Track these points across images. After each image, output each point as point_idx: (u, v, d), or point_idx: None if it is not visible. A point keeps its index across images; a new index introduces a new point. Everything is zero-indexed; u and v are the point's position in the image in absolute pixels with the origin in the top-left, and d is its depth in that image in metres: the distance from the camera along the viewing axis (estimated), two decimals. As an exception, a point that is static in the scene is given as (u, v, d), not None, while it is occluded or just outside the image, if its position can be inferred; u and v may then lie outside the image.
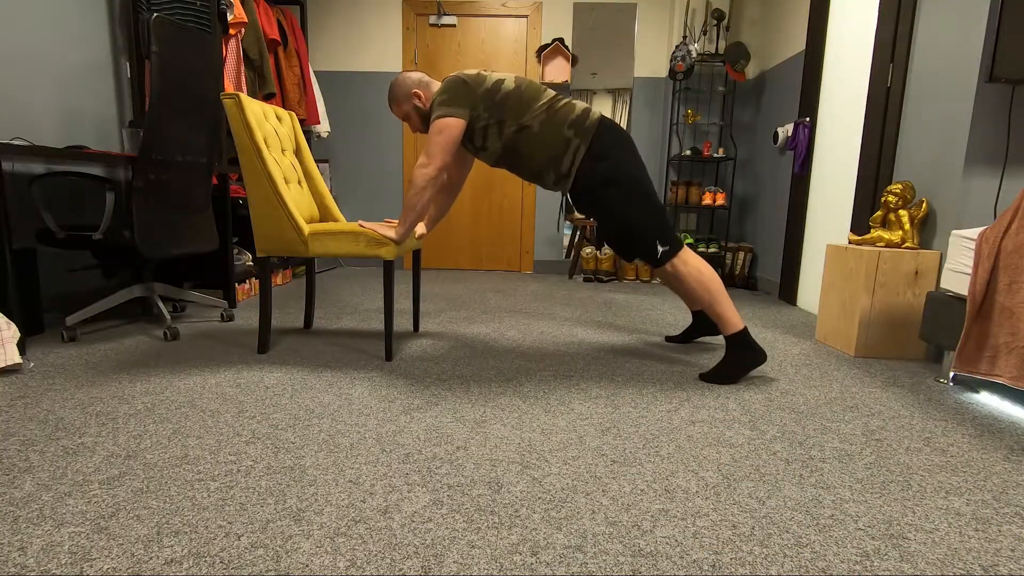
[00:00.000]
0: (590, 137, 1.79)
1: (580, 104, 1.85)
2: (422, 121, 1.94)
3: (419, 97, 1.90)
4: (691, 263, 1.82)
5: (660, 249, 1.80)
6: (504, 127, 1.81)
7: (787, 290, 3.32)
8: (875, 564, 0.91)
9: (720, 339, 2.38)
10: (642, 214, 1.80)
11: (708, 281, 1.81)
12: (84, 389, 1.62)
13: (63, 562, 0.87)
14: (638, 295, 3.51)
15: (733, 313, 1.82)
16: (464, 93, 1.78)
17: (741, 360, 1.80)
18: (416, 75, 1.92)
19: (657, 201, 1.83)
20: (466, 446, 1.31)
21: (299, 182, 2.19)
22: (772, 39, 3.73)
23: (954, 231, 1.81)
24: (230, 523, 0.98)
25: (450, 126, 1.76)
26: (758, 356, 1.80)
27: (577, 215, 4.06)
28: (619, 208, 1.80)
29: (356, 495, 1.08)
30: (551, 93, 1.85)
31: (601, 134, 1.80)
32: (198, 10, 2.74)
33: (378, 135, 4.37)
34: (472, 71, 1.84)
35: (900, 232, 2.16)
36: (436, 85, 1.93)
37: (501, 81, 1.81)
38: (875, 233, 2.24)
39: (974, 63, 1.95)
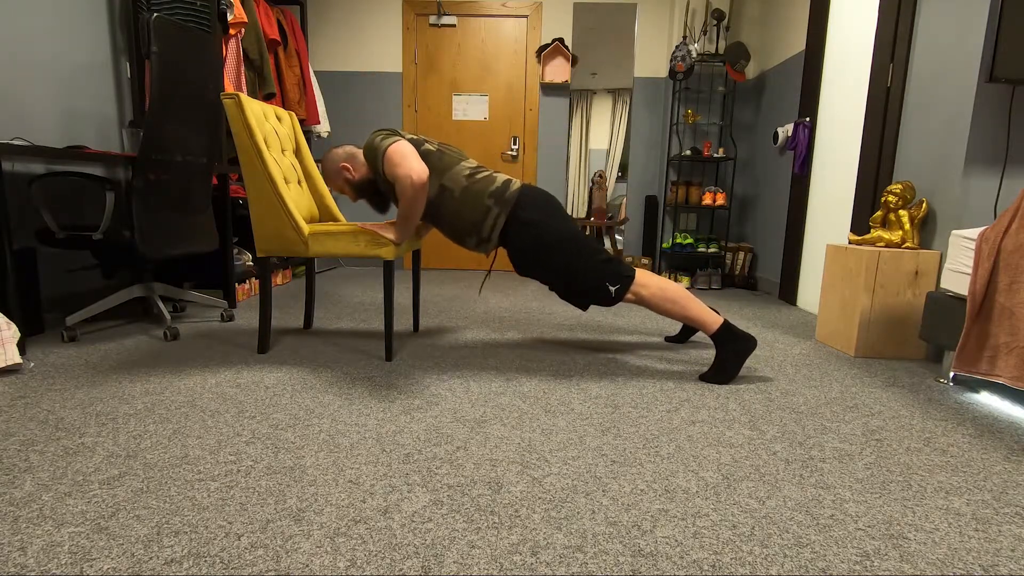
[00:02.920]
0: (510, 207, 1.85)
1: (501, 176, 1.93)
2: (355, 191, 2.02)
3: (348, 169, 1.98)
4: (651, 285, 1.86)
5: (612, 290, 1.84)
6: (428, 186, 1.86)
7: (787, 290, 3.32)
8: (875, 564, 0.91)
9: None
10: (582, 266, 1.84)
11: (672, 295, 1.85)
12: (84, 389, 1.63)
13: (63, 562, 0.87)
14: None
15: (707, 312, 1.84)
16: (396, 132, 1.87)
17: (733, 353, 1.80)
18: (342, 149, 2.01)
19: (592, 247, 1.86)
20: (466, 446, 1.31)
21: (299, 182, 2.19)
22: (772, 39, 3.73)
23: (954, 231, 1.81)
24: (230, 523, 0.98)
25: (400, 145, 1.79)
26: (748, 344, 1.81)
27: (577, 217, 4.06)
28: (559, 267, 1.85)
29: (356, 495, 1.08)
30: (473, 162, 1.95)
31: (524, 203, 1.86)
32: (198, 10, 2.74)
33: (378, 135, 4.36)
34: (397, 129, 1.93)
35: (900, 232, 2.16)
36: (360, 153, 2.00)
37: (424, 141, 1.91)
38: (875, 233, 2.24)
39: (974, 63, 1.95)
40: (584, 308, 1.94)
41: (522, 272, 1.93)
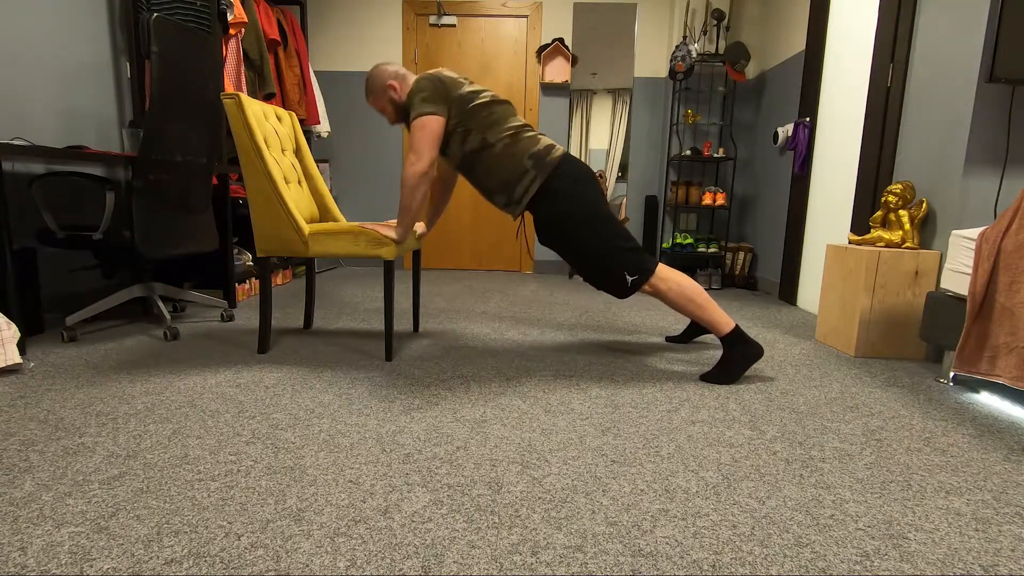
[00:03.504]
0: (547, 172, 1.81)
1: (546, 139, 1.87)
2: (397, 113, 1.95)
3: (394, 89, 1.91)
4: (670, 279, 1.83)
5: (629, 280, 1.82)
6: (468, 137, 1.83)
7: (787, 290, 3.32)
8: (875, 564, 0.91)
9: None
10: (605, 248, 1.81)
11: (689, 292, 1.83)
12: (84, 389, 1.62)
13: (63, 562, 0.87)
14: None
15: (721, 315, 1.83)
16: (441, 92, 1.80)
17: (739, 357, 1.80)
18: (392, 67, 1.93)
19: (621, 231, 1.83)
20: (466, 446, 1.31)
21: (299, 182, 2.19)
22: (772, 39, 3.73)
23: (954, 231, 1.81)
24: (230, 523, 0.98)
25: (430, 122, 1.77)
26: (755, 351, 1.80)
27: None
28: (584, 244, 1.81)
29: (356, 495, 1.08)
30: (521, 121, 1.88)
31: (561, 172, 1.81)
32: (198, 10, 2.74)
33: (378, 135, 4.37)
34: (451, 73, 1.85)
35: (900, 232, 2.16)
36: (412, 78, 1.93)
37: (477, 92, 1.83)
38: (875, 233, 2.24)
39: (974, 63, 1.95)
40: (599, 288, 1.90)
41: (544, 241, 1.88)
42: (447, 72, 1.84)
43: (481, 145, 1.83)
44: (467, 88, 1.83)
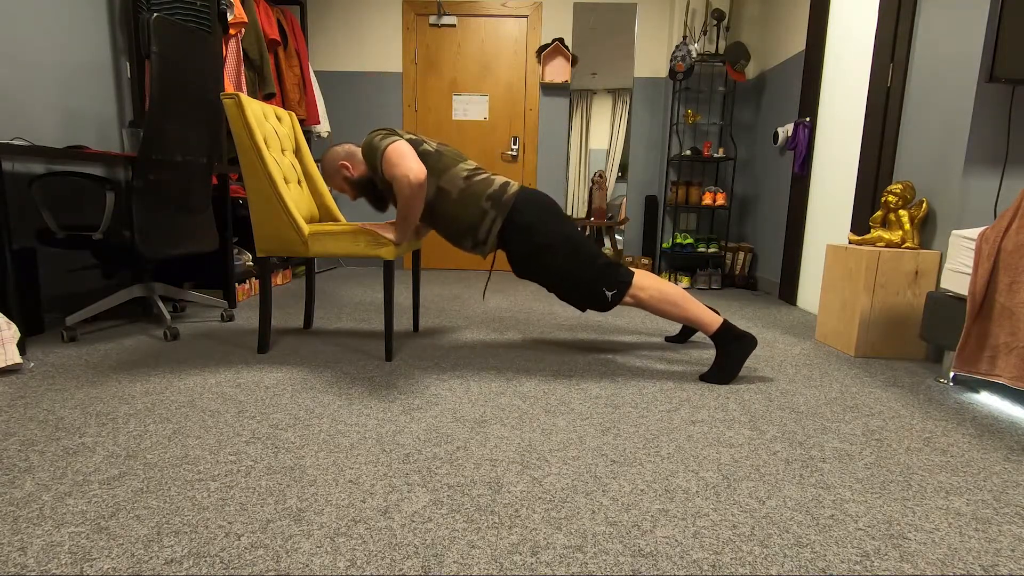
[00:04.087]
0: (507, 210, 1.85)
1: (499, 178, 1.92)
2: (354, 189, 2.01)
3: (347, 168, 1.98)
4: (649, 287, 1.86)
5: (608, 295, 1.84)
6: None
7: (787, 290, 3.32)
8: (875, 564, 0.91)
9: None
10: (579, 269, 1.84)
11: (670, 296, 1.85)
12: (84, 389, 1.63)
13: (63, 562, 0.87)
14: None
15: (706, 313, 1.84)
16: (394, 132, 1.86)
17: (733, 352, 1.80)
18: (341, 148, 2.01)
19: (590, 251, 1.86)
20: (466, 446, 1.31)
21: (299, 182, 2.19)
22: (772, 39, 3.73)
23: (954, 231, 1.81)
24: (230, 523, 0.98)
25: (399, 144, 1.79)
26: (748, 343, 1.81)
27: (577, 218, 4.06)
28: (557, 270, 1.85)
29: (356, 495, 1.08)
30: (472, 164, 1.94)
31: (521, 206, 1.85)
32: (198, 10, 2.74)
33: (378, 135, 4.36)
34: (393, 128, 1.93)
35: (900, 232, 2.16)
36: (358, 152, 2.00)
37: (423, 141, 1.90)
38: (875, 233, 2.24)
39: (974, 63, 1.95)
40: (582, 310, 1.94)
41: (520, 274, 1.93)
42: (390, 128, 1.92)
43: (437, 193, 1.88)
44: (412, 137, 1.90)
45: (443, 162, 1.89)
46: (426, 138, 1.95)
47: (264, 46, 3.21)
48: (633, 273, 1.87)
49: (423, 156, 1.87)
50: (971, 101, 1.96)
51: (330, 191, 3.97)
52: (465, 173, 1.89)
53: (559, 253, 1.84)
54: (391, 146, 1.78)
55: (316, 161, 4.21)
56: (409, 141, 1.87)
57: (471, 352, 2.11)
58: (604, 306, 1.87)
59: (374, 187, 2.01)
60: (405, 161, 1.75)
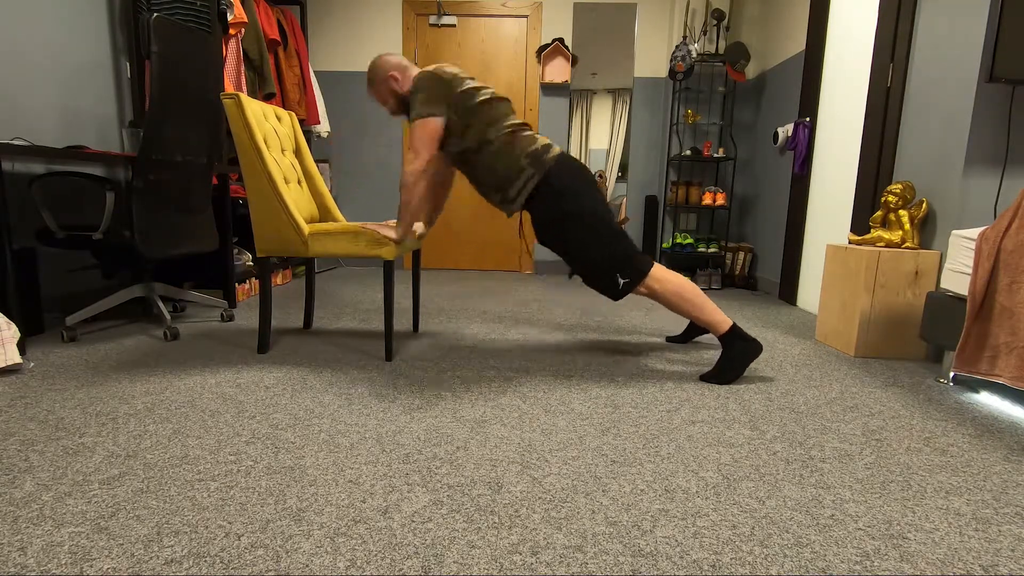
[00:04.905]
0: (544, 171, 1.81)
1: (543, 139, 1.88)
2: (398, 104, 1.95)
3: (395, 80, 1.92)
4: (665, 280, 1.84)
5: (621, 282, 1.82)
6: (467, 134, 1.84)
7: (787, 290, 3.32)
8: (875, 564, 0.91)
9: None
10: (601, 249, 1.81)
11: (686, 293, 1.83)
12: (84, 389, 1.62)
13: (63, 562, 0.87)
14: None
15: (718, 314, 1.84)
16: (441, 92, 1.80)
17: (738, 356, 1.80)
18: (395, 58, 1.94)
19: (616, 233, 1.83)
20: (466, 446, 1.31)
21: (299, 182, 2.19)
22: (772, 39, 3.73)
23: (954, 231, 1.81)
24: (230, 523, 0.98)
25: (429, 123, 1.78)
26: (754, 348, 1.81)
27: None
28: (579, 243, 1.82)
29: (356, 495, 1.08)
30: (519, 120, 1.89)
31: (559, 171, 1.82)
32: (198, 10, 2.74)
33: (378, 135, 4.37)
34: (452, 69, 1.83)
35: (900, 232, 2.16)
36: (414, 70, 1.93)
37: (477, 90, 1.83)
38: (875, 233, 2.24)
39: (974, 63, 1.95)
40: (593, 288, 1.90)
41: (541, 240, 1.89)
42: (448, 68, 1.83)
43: (479, 142, 1.83)
44: (467, 85, 1.83)
45: (492, 114, 1.83)
46: (482, 85, 1.86)
47: (264, 46, 3.21)
48: (653, 264, 1.85)
49: (475, 107, 1.81)
50: (971, 101, 1.95)
51: (323, 178, 3.98)
52: (511, 127, 1.85)
53: (584, 225, 1.80)
54: (423, 121, 1.77)
55: (317, 161, 4.22)
56: (460, 95, 1.80)
57: (471, 352, 2.11)
58: (615, 292, 1.84)
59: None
60: (419, 145, 1.75)
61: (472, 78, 1.89)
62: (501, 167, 1.83)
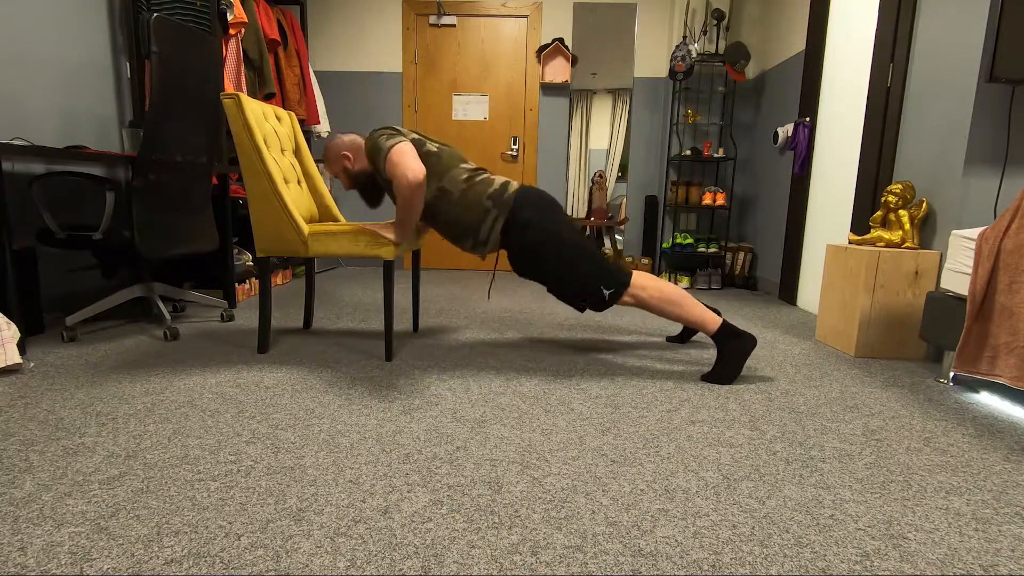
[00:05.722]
0: (508, 208, 1.86)
1: (498, 178, 1.93)
2: (351, 180, 2.04)
3: (348, 159, 2.00)
4: (648, 287, 1.86)
5: (606, 293, 1.85)
6: (426, 187, 1.88)
7: (787, 290, 3.32)
8: (875, 564, 0.91)
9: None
10: (579, 268, 1.84)
11: (670, 296, 1.86)
12: (84, 389, 1.62)
13: (63, 562, 0.87)
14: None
15: (706, 313, 1.85)
16: (399, 131, 1.87)
17: (734, 352, 1.81)
18: (348, 138, 2.02)
19: (590, 249, 1.87)
20: (466, 446, 1.31)
21: (299, 182, 2.19)
22: (772, 39, 3.73)
23: (954, 231, 1.81)
24: (230, 523, 0.98)
25: (403, 145, 1.80)
26: (748, 342, 1.81)
27: (577, 217, 4.06)
28: (556, 267, 1.85)
29: (356, 495, 1.08)
30: (471, 164, 1.96)
31: (520, 205, 1.86)
32: (198, 10, 2.74)
33: (378, 135, 4.36)
34: (397, 127, 1.92)
35: (900, 232, 2.16)
36: (363, 144, 2.02)
37: (424, 141, 1.91)
38: (875, 233, 2.24)
39: (974, 63, 1.95)
40: (580, 310, 1.94)
41: (521, 273, 1.93)
42: (393, 127, 1.92)
43: (439, 193, 1.89)
44: (414, 137, 1.90)
45: (444, 163, 1.90)
46: (429, 137, 1.96)
47: (264, 46, 3.21)
48: (631, 274, 1.87)
49: (425, 156, 1.88)
50: (971, 101, 1.95)
51: (325, 182, 3.98)
52: (466, 174, 1.90)
53: (559, 251, 1.84)
54: (395, 147, 1.79)
55: (316, 161, 4.21)
56: (412, 141, 1.88)
57: (471, 352, 2.11)
58: (601, 305, 1.87)
59: (372, 182, 2.03)
60: (405, 160, 1.77)
61: (418, 133, 1.97)
62: (465, 214, 1.88)
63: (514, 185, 1.91)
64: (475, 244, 1.92)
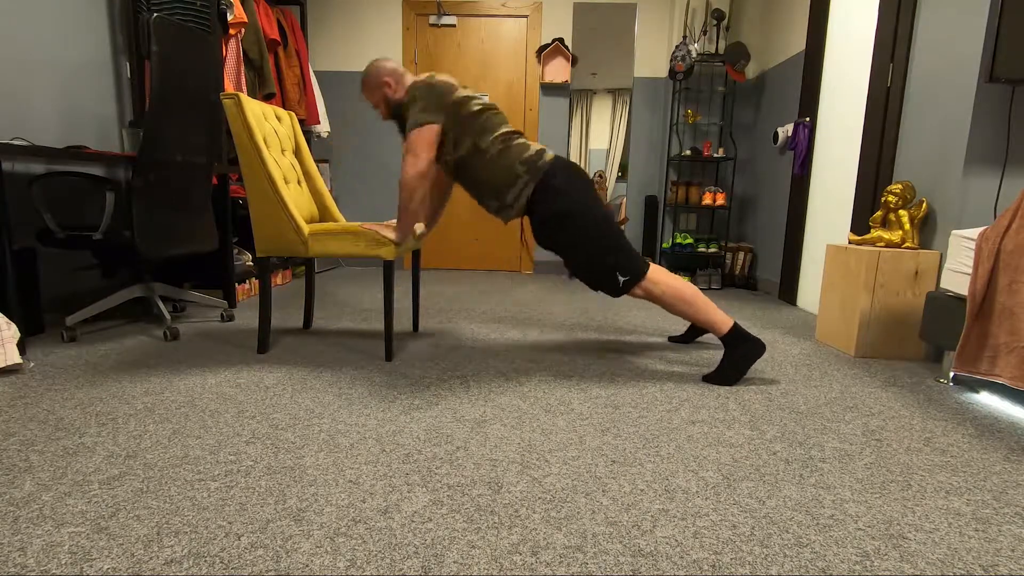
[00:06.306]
0: (540, 176, 1.83)
1: (536, 144, 1.90)
2: (389, 109, 1.98)
3: (389, 86, 1.94)
4: (662, 282, 1.84)
5: (621, 280, 1.83)
6: (461, 143, 1.86)
7: (787, 290, 3.32)
8: (875, 564, 0.91)
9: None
10: (599, 247, 1.82)
11: (684, 294, 1.84)
12: (84, 389, 1.62)
13: (63, 562, 0.87)
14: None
15: (719, 314, 1.84)
16: (436, 102, 1.83)
17: (741, 355, 1.80)
18: (390, 64, 1.96)
19: (615, 232, 1.84)
20: (466, 446, 1.31)
21: (299, 182, 2.19)
22: (772, 39, 3.73)
23: (954, 231, 1.81)
24: (230, 523, 0.98)
25: (427, 130, 1.80)
26: (756, 347, 1.80)
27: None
28: (578, 240, 1.83)
29: (356, 495, 1.08)
30: (511, 127, 1.92)
31: (554, 173, 1.84)
32: (198, 10, 2.74)
33: (378, 135, 4.37)
34: (445, 79, 1.87)
35: (900, 232, 2.16)
36: (409, 78, 1.96)
37: (470, 99, 1.86)
38: (875, 233, 2.24)
39: (974, 63, 1.94)
40: (594, 288, 1.91)
41: (541, 242, 1.90)
42: (440, 77, 1.86)
43: (473, 151, 1.85)
44: (460, 94, 1.86)
45: (485, 123, 1.86)
46: (475, 95, 1.89)
47: (264, 46, 3.21)
48: (649, 265, 1.85)
49: (468, 116, 1.84)
50: (971, 101, 1.95)
51: (323, 178, 3.97)
52: (504, 135, 1.86)
53: (582, 225, 1.81)
54: (421, 129, 1.78)
55: (316, 161, 4.21)
56: (458, 101, 1.83)
57: (471, 352, 2.11)
58: (615, 289, 1.85)
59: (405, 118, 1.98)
60: (418, 149, 1.76)
61: (466, 87, 1.91)
62: (498, 174, 1.84)
63: (550, 154, 1.87)
64: (500, 207, 1.88)
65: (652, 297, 1.84)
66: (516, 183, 1.83)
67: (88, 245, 2.05)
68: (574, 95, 7.02)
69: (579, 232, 1.82)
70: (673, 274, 1.89)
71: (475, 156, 1.86)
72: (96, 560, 0.88)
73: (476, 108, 1.85)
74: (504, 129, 1.88)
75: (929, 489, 1.16)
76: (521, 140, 1.89)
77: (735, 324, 1.82)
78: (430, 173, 1.82)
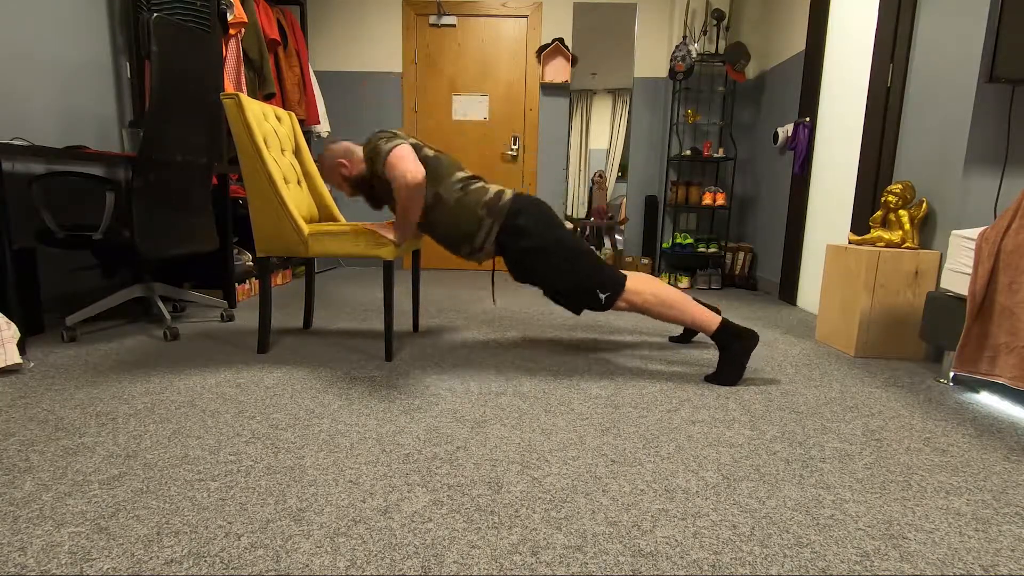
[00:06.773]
0: (503, 216, 1.87)
1: (493, 186, 1.94)
2: (351, 187, 2.02)
3: (344, 166, 1.99)
4: (644, 291, 1.85)
5: (602, 296, 1.85)
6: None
7: (787, 290, 3.32)
8: (875, 564, 0.91)
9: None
10: (574, 271, 1.85)
11: (667, 299, 1.85)
12: (84, 389, 1.62)
13: (63, 562, 0.87)
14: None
15: (705, 314, 1.85)
16: (397, 135, 1.87)
17: (736, 351, 1.80)
18: (339, 147, 2.02)
19: (585, 252, 1.88)
20: (466, 446, 1.31)
21: (299, 182, 2.19)
22: (772, 39, 3.73)
23: (954, 231, 1.81)
24: (230, 523, 0.98)
25: (402, 148, 1.81)
26: (750, 340, 1.81)
27: (577, 218, 4.05)
28: (552, 272, 1.86)
29: (356, 495, 1.08)
30: (466, 172, 1.97)
31: (514, 212, 1.87)
32: (198, 10, 2.74)
33: (378, 135, 4.36)
34: (395, 131, 1.92)
35: (900, 232, 2.16)
36: (359, 152, 2.01)
37: (422, 146, 1.92)
38: (875, 233, 2.24)
39: (974, 63, 1.94)
40: (577, 312, 1.94)
41: (518, 278, 1.94)
42: (391, 131, 1.92)
43: (435, 201, 1.89)
44: (413, 142, 1.91)
45: (441, 169, 1.90)
46: (426, 143, 1.97)
47: (264, 46, 3.21)
48: (627, 276, 1.87)
49: (423, 161, 1.89)
50: (971, 101, 1.95)
51: (328, 188, 3.97)
52: (460, 182, 1.90)
53: (554, 256, 1.85)
54: (394, 149, 1.80)
55: (316, 161, 4.21)
56: (414, 145, 1.90)
57: (471, 352, 2.11)
58: (599, 306, 1.87)
59: (370, 186, 2.01)
60: (404, 163, 1.77)
61: (415, 138, 1.98)
62: (462, 220, 1.88)
63: (508, 193, 1.91)
64: (471, 251, 1.93)
65: (635, 307, 1.86)
66: (482, 225, 1.87)
67: (88, 245, 2.05)
68: (574, 95, 7.01)
69: (551, 265, 1.86)
70: (654, 279, 1.90)
71: (437, 206, 1.89)
72: (96, 560, 0.88)
73: (431, 152, 1.91)
74: (460, 175, 1.93)
75: (929, 489, 1.16)
76: (479, 184, 1.93)
77: (723, 320, 1.83)
78: (423, 184, 1.80)
